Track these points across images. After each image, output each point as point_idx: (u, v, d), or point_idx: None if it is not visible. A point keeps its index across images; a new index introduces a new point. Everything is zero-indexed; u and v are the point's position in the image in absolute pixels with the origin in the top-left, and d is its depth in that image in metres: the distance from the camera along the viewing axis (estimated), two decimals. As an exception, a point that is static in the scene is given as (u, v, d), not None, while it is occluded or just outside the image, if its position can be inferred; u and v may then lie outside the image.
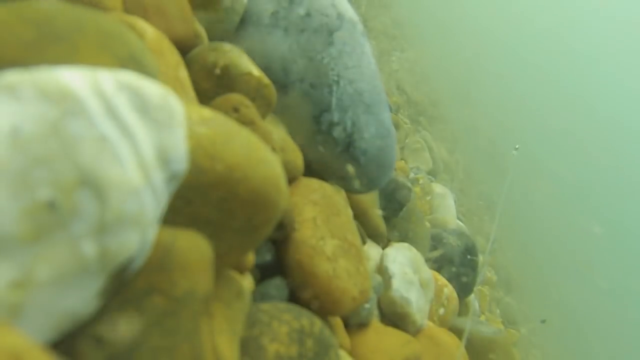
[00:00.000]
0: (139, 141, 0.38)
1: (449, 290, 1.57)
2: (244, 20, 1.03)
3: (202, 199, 0.50)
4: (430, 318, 1.44)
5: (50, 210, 0.31)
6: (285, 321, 0.67)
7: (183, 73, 0.75)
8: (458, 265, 1.90)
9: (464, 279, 1.91)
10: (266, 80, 0.90)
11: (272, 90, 0.91)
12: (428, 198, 2.62)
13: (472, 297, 2.05)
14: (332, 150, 1.07)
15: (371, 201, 1.42)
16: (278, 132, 0.98)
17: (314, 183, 0.99)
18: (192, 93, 0.77)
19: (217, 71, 0.84)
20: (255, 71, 0.88)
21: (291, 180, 0.96)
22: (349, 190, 1.21)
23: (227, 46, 0.87)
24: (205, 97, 0.84)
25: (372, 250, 1.33)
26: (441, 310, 1.51)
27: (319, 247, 0.87)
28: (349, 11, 1.13)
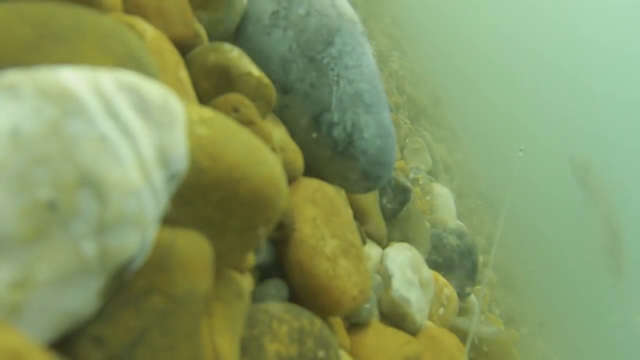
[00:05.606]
0: (139, 141, 0.38)
1: (449, 290, 1.57)
2: (244, 20, 1.03)
3: (202, 198, 0.50)
4: (430, 318, 1.44)
5: (50, 210, 0.31)
6: (285, 321, 0.67)
7: (183, 73, 0.75)
8: (458, 265, 1.90)
9: (464, 279, 1.91)
10: (266, 80, 0.90)
11: (272, 90, 0.91)
12: (428, 198, 2.62)
13: (472, 297, 2.05)
14: (332, 150, 1.07)
15: (371, 201, 1.42)
16: (278, 132, 0.98)
17: (314, 183, 0.99)
18: (192, 93, 0.77)
19: (217, 71, 0.84)
20: (255, 71, 0.88)
21: (291, 180, 0.96)
22: (349, 190, 1.21)
23: (227, 46, 0.87)
24: (205, 97, 0.84)
25: (372, 250, 1.33)
26: (441, 310, 1.51)
27: (319, 247, 0.87)
28: (349, 11, 1.13)
